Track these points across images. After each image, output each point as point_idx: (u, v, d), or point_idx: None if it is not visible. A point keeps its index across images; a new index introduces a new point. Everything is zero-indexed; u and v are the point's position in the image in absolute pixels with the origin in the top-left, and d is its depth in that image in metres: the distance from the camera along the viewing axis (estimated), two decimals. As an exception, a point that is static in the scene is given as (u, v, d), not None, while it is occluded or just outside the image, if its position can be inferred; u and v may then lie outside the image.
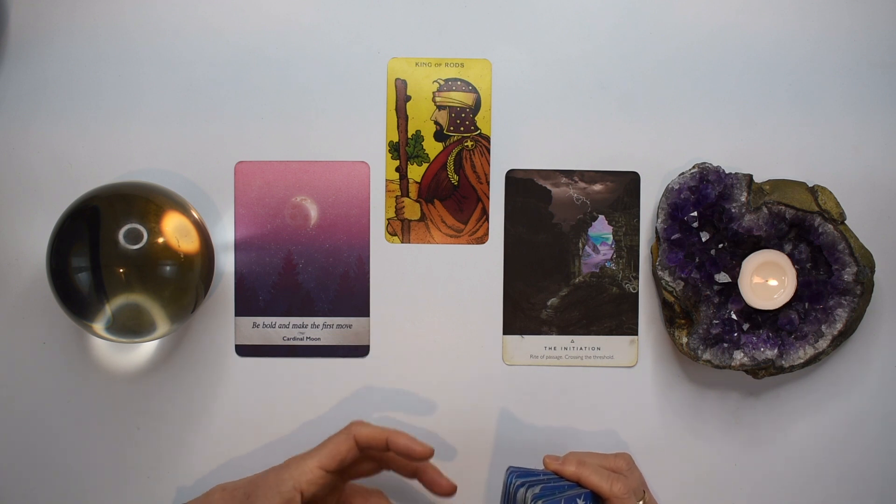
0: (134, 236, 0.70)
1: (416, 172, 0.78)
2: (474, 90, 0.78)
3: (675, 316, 0.77)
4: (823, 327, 0.75)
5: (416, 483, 0.77)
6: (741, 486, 0.79)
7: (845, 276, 0.74)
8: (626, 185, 0.78)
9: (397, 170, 0.78)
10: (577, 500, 0.69)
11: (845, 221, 0.75)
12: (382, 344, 0.78)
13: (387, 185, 0.78)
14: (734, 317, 0.76)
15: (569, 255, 0.78)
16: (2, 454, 0.78)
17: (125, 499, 0.78)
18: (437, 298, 0.78)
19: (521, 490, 0.70)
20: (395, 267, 0.78)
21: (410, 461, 0.71)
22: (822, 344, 0.75)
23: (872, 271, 0.75)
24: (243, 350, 0.78)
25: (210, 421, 0.78)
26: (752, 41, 0.78)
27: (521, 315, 0.78)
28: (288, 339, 0.78)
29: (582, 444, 0.78)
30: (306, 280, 0.78)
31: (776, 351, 0.75)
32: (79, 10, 0.77)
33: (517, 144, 0.78)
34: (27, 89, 0.77)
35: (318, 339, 0.78)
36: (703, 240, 0.76)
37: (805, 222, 0.75)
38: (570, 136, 0.78)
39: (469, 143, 0.78)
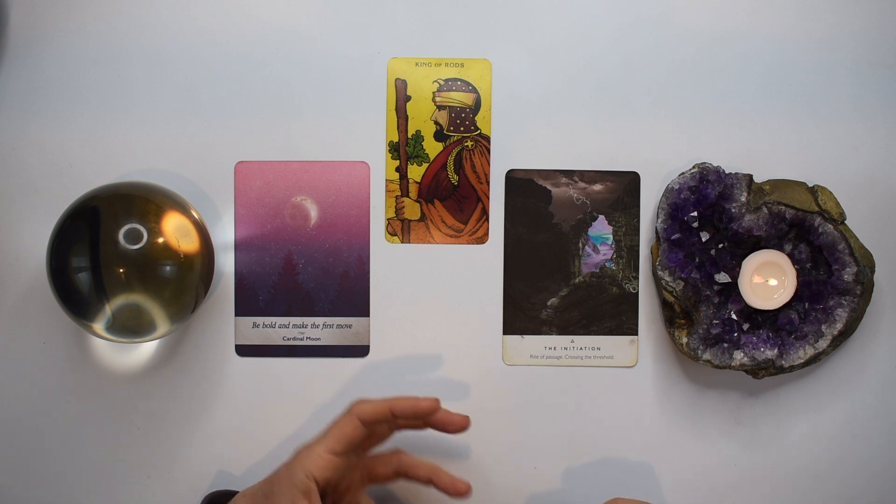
0: (134, 236, 0.69)
1: (416, 172, 0.78)
2: (474, 90, 0.78)
3: (675, 316, 0.77)
4: (823, 327, 0.75)
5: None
6: (741, 486, 0.79)
7: (845, 276, 0.74)
8: (626, 185, 0.78)
9: (397, 170, 0.78)
10: None
11: (845, 221, 0.75)
12: (382, 344, 0.78)
13: (387, 185, 0.78)
14: (734, 317, 0.76)
15: (569, 255, 0.78)
16: (2, 454, 0.78)
17: (125, 499, 0.78)
18: (437, 298, 0.78)
19: None
20: (395, 267, 0.78)
21: (420, 418, 0.71)
22: (822, 344, 0.75)
23: (872, 271, 0.75)
24: (243, 350, 0.78)
25: (210, 421, 0.78)
26: (753, 41, 0.78)
27: (521, 315, 0.78)
28: (288, 339, 0.78)
29: (581, 444, 0.78)
30: (306, 280, 0.78)
31: (776, 351, 0.75)
32: (78, 10, 0.77)
33: (517, 144, 0.78)
34: (27, 89, 0.77)
35: (318, 339, 0.78)
36: (703, 240, 0.76)
37: (805, 222, 0.75)
38: (570, 136, 0.78)
39: (469, 143, 0.78)
